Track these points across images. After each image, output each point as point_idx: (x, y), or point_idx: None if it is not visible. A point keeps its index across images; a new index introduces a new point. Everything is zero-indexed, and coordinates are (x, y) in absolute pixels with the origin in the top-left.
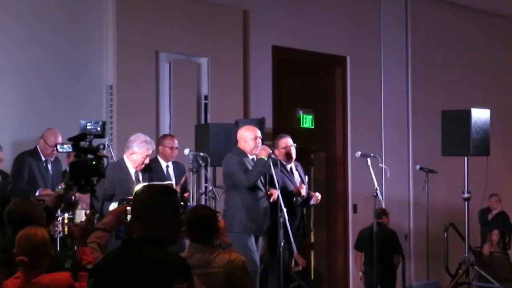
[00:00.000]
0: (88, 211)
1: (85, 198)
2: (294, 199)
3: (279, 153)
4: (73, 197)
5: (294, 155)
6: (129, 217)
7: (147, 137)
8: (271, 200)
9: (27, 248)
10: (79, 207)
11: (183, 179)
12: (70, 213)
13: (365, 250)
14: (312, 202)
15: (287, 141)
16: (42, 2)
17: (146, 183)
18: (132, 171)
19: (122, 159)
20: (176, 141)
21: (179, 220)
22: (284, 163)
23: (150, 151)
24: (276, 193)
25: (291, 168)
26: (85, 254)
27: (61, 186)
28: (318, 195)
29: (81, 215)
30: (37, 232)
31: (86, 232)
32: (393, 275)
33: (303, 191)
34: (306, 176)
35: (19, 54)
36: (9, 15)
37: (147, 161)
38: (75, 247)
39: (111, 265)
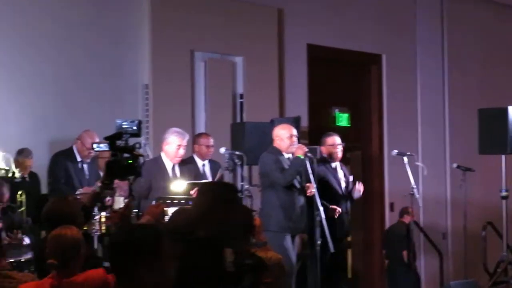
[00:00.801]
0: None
1: (123, 185)
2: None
3: (325, 150)
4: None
5: (339, 154)
6: (166, 217)
7: (180, 129)
8: (308, 194)
9: (56, 251)
10: (118, 194)
11: (219, 175)
12: (108, 211)
13: (385, 249)
14: (356, 195)
15: (334, 140)
16: (79, 2)
17: (196, 181)
18: (169, 166)
19: (159, 156)
20: (211, 139)
21: (237, 215)
22: (329, 160)
23: (184, 141)
24: (312, 187)
25: (335, 167)
26: None
27: (97, 185)
28: (360, 188)
29: (119, 202)
30: (67, 233)
31: (125, 218)
32: (407, 271)
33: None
34: (351, 176)
35: (56, 54)
36: (47, 15)
37: (181, 152)
38: None
39: (181, 266)
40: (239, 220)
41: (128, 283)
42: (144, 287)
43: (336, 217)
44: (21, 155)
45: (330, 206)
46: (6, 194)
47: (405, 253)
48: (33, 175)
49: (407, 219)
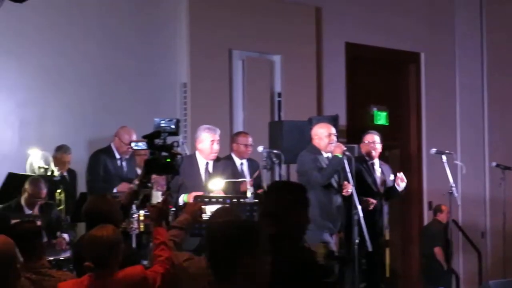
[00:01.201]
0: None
1: (161, 180)
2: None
3: (363, 148)
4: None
5: (375, 153)
6: (204, 216)
7: (209, 125)
8: (344, 193)
9: (91, 253)
10: (155, 188)
11: (257, 173)
12: (146, 210)
13: (420, 247)
14: (400, 188)
15: (372, 138)
16: (117, 3)
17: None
18: (202, 164)
19: (194, 154)
20: (250, 138)
21: (307, 214)
22: (367, 158)
23: (216, 136)
24: (349, 186)
25: (372, 164)
26: (159, 234)
27: (135, 183)
28: (401, 176)
29: (157, 196)
30: (103, 234)
31: (162, 212)
32: (442, 270)
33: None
34: (392, 175)
35: (95, 54)
36: (87, 16)
37: (216, 147)
38: (150, 244)
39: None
40: (304, 220)
41: (227, 274)
42: (243, 278)
43: (370, 208)
44: (60, 151)
45: (364, 198)
46: (44, 190)
47: (436, 250)
48: (71, 172)
49: (440, 216)
